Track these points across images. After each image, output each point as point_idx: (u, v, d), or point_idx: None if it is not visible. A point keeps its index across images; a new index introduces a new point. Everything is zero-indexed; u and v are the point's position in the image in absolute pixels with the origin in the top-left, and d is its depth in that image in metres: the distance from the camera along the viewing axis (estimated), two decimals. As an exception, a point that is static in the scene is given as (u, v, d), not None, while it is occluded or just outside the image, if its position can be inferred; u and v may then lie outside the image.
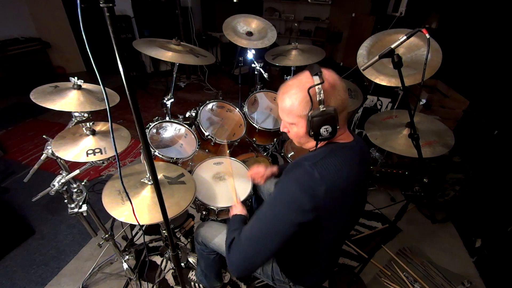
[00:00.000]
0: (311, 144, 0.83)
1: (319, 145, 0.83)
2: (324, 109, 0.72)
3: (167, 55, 1.52)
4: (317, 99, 0.71)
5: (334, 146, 0.81)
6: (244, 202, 1.42)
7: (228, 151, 1.65)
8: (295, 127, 0.81)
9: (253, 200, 1.58)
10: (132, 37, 4.06)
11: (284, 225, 0.74)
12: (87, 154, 1.03)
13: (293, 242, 0.78)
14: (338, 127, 0.75)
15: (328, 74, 0.74)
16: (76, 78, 1.09)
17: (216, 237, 1.17)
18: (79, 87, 1.10)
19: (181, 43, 1.69)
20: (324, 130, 0.74)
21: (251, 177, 1.32)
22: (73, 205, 1.14)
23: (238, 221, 1.00)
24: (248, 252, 0.79)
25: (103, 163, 1.07)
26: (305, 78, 0.74)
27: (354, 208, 0.89)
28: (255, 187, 1.48)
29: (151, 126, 1.62)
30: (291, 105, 0.76)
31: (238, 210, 1.08)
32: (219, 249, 1.17)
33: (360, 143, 0.87)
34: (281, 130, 0.89)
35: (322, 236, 0.84)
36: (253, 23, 2.19)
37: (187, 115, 1.78)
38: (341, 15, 4.54)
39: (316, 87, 0.70)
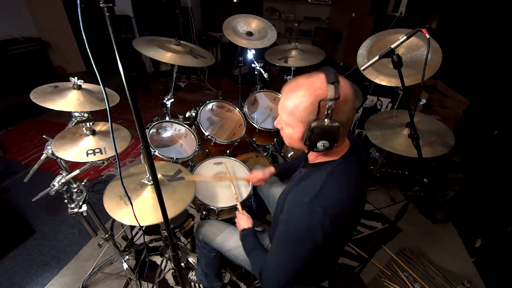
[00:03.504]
0: (302, 148, 0.79)
1: (314, 159, 0.82)
2: (329, 124, 0.66)
3: (166, 57, 1.52)
4: (325, 111, 0.65)
5: (331, 167, 0.76)
6: (244, 202, 1.42)
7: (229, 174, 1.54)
8: (290, 129, 0.76)
9: (253, 200, 1.58)
10: (132, 37, 4.06)
11: (302, 257, 0.76)
12: (87, 154, 1.03)
13: None
14: (336, 144, 0.71)
15: (344, 86, 0.68)
16: (76, 78, 1.09)
17: (218, 236, 1.17)
18: (79, 87, 1.10)
19: (181, 42, 1.68)
20: (321, 145, 0.70)
21: (252, 182, 1.33)
22: (73, 205, 1.14)
23: (251, 239, 1.00)
24: (281, 280, 0.81)
25: (103, 163, 1.07)
26: (319, 83, 0.67)
27: (358, 218, 0.89)
28: (254, 187, 1.48)
29: (151, 126, 1.62)
30: (294, 107, 0.70)
31: (244, 222, 1.09)
32: (220, 247, 1.18)
33: (357, 148, 0.83)
34: (274, 125, 0.84)
35: (327, 248, 0.84)
36: (253, 23, 2.19)
37: (187, 115, 1.78)
38: (341, 15, 4.54)
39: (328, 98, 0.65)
